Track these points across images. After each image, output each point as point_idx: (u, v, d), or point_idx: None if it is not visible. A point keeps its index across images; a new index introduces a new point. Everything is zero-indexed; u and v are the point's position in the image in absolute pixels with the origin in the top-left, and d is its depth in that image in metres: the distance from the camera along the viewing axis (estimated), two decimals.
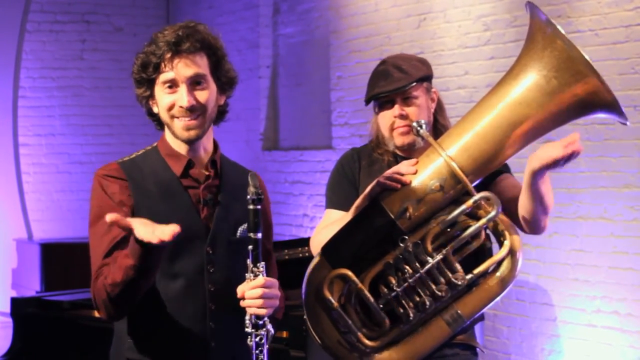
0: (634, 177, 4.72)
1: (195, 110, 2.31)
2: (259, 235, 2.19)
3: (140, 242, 2.07)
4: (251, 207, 2.18)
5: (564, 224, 5.02)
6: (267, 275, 2.24)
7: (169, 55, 2.29)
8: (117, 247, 2.23)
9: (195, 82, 2.31)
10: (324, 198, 2.99)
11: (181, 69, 2.29)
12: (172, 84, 2.30)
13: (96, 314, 3.94)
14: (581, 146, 2.44)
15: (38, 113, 8.27)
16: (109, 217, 2.05)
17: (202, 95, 2.31)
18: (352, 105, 6.65)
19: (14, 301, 4.74)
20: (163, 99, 2.31)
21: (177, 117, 2.31)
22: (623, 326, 4.75)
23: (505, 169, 2.81)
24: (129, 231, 2.07)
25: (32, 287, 7.58)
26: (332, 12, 6.95)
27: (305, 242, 4.81)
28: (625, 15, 4.72)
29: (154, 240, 2.03)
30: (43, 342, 4.50)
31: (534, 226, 2.63)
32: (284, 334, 3.91)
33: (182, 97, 2.29)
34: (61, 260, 7.47)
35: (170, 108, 2.31)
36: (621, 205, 4.76)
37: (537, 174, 2.50)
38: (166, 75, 2.30)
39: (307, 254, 4.67)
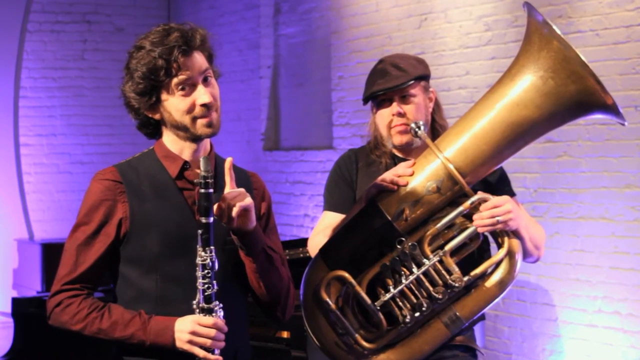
0: (635, 177, 4.71)
1: (213, 106, 2.28)
2: (210, 219, 2.17)
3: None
4: (202, 191, 2.16)
5: (565, 224, 5.01)
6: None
7: (180, 57, 2.23)
8: (84, 280, 2.25)
9: (204, 79, 2.28)
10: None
11: (193, 67, 2.25)
12: (186, 85, 2.25)
13: None
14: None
15: (39, 113, 8.26)
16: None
17: (214, 91, 2.29)
18: (353, 106, 6.65)
19: (15, 301, 4.75)
20: (179, 103, 2.25)
21: (199, 117, 2.26)
22: (624, 326, 4.75)
23: (509, 192, 2.79)
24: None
25: (33, 287, 7.58)
26: (333, 12, 6.94)
27: (306, 242, 4.80)
28: (626, 16, 4.72)
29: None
30: (44, 342, 4.50)
31: (527, 259, 2.65)
32: (285, 334, 3.90)
33: (201, 95, 2.25)
34: None
35: (190, 110, 2.25)
36: (622, 205, 4.75)
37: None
38: (181, 77, 2.24)
39: (307, 254, 4.66)
